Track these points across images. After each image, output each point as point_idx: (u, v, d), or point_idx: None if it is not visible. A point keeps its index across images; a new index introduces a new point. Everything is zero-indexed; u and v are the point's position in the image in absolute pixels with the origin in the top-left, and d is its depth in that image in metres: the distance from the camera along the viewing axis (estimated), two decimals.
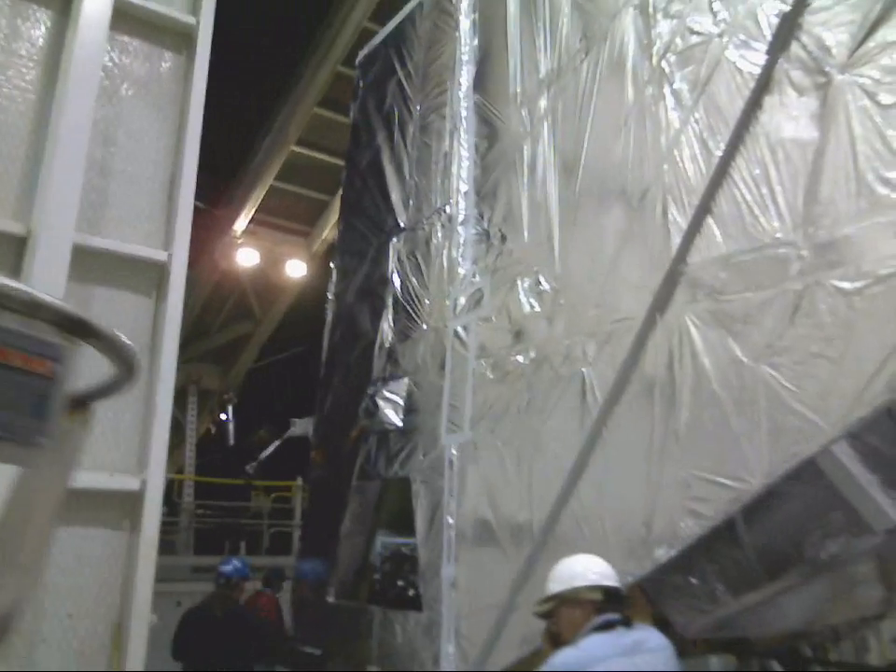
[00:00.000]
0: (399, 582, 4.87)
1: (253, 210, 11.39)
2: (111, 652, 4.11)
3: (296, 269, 11.69)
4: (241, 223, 11.49)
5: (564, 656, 2.46)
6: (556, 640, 2.67)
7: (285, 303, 12.40)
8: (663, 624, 3.64)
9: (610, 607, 2.57)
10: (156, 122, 4.63)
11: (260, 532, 10.32)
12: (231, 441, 12.62)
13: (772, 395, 2.62)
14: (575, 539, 3.31)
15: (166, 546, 10.54)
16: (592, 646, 2.46)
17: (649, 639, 2.55)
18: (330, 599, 5.21)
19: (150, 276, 4.44)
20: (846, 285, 2.47)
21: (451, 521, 4.22)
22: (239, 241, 11.49)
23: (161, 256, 4.41)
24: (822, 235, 2.62)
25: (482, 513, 4.02)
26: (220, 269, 11.71)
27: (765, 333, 2.70)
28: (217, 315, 12.55)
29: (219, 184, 11.92)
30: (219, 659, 5.07)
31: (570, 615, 2.60)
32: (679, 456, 2.92)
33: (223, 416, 12.94)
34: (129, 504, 4.06)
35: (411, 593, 4.63)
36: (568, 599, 2.62)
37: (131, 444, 4.20)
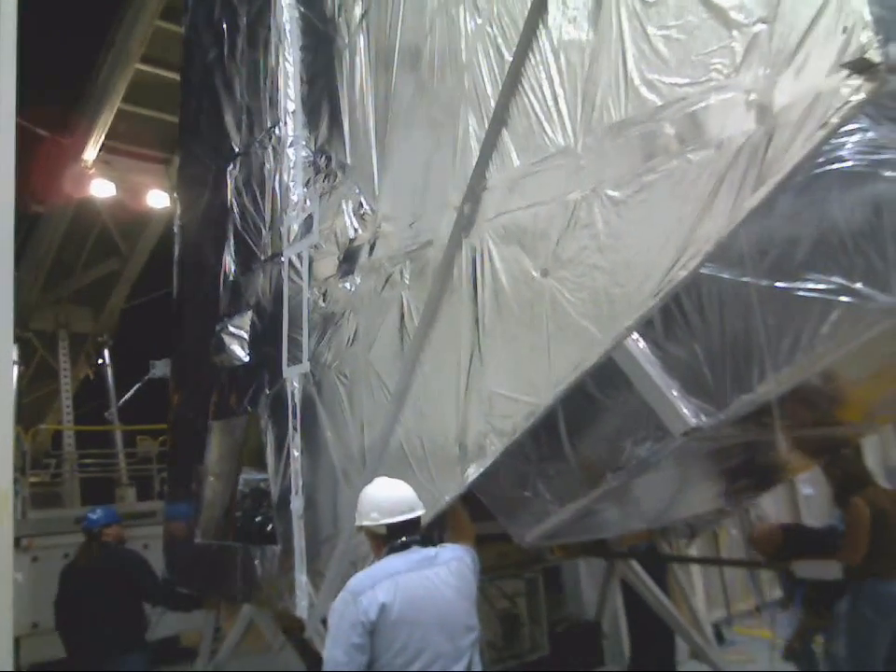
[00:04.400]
0: (258, 518, 4.85)
1: (102, 137, 10.45)
2: None
3: (158, 199, 10.95)
4: (91, 152, 10.55)
5: (356, 578, 2.64)
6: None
7: (152, 237, 11.65)
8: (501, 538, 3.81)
9: (400, 534, 2.72)
10: None
11: (150, 477, 10.06)
12: (111, 386, 12.08)
13: (557, 308, 2.63)
14: (401, 464, 3.33)
15: (52, 499, 10.17)
16: (382, 565, 2.65)
17: (440, 554, 2.74)
18: (197, 540, 5.14)
19: None
20: (616, 194, 2.45)
21: (296, 454, 4.17)
22: (91, 171, 10.59)
23: None
24: (598, 143, 2.57)
25: (324, 445, 3.98)
26: (74, 202, 10.80)
27: (552, 246, 2.68)
28: (80, 252, 11.67)
29: (64, 111, 10.87)
30: (97, 605, 4.91)
31: (371, 542, 2.84)
32: (482, 375, 2.93)
33: (100, 361, 12.31)
34: None
35: (268, 527, 4.62)
36: (365, 530, 2.84)
37: None
